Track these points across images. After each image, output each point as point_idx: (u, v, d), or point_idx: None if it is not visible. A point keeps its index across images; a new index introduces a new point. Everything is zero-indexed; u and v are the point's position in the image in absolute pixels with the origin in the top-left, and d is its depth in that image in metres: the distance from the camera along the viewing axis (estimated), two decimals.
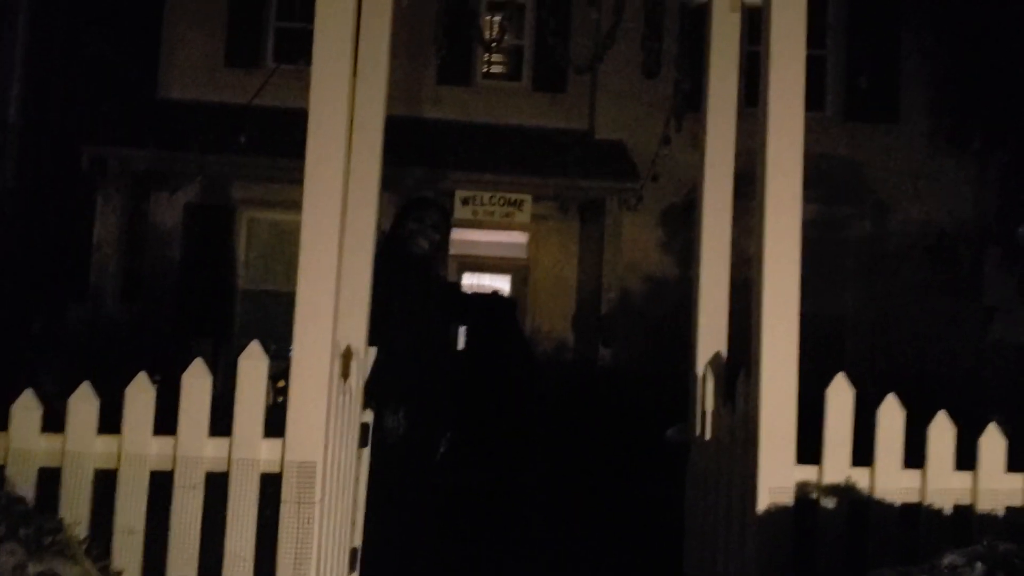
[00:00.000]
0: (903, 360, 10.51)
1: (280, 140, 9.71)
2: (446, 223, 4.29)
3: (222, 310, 10.83)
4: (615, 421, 5.44)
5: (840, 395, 2.95)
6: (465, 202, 10.22)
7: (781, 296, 2.94)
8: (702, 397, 3.53)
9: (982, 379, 10.83)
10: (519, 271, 11.32)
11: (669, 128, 6.41)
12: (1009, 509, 2.97)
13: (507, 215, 10.36)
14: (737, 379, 3.15)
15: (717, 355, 3.55)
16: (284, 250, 10.96)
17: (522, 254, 11.35)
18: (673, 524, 3.91)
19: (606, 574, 4.57)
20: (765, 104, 3.05)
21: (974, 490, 2.97)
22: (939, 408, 3.06)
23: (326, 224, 2.80)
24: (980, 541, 2.38)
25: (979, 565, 2.19)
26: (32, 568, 1.89)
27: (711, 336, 3.58)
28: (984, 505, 2.96)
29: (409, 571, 3.98)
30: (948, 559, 2.24)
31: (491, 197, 10.29)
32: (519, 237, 11.25)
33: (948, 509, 2.95)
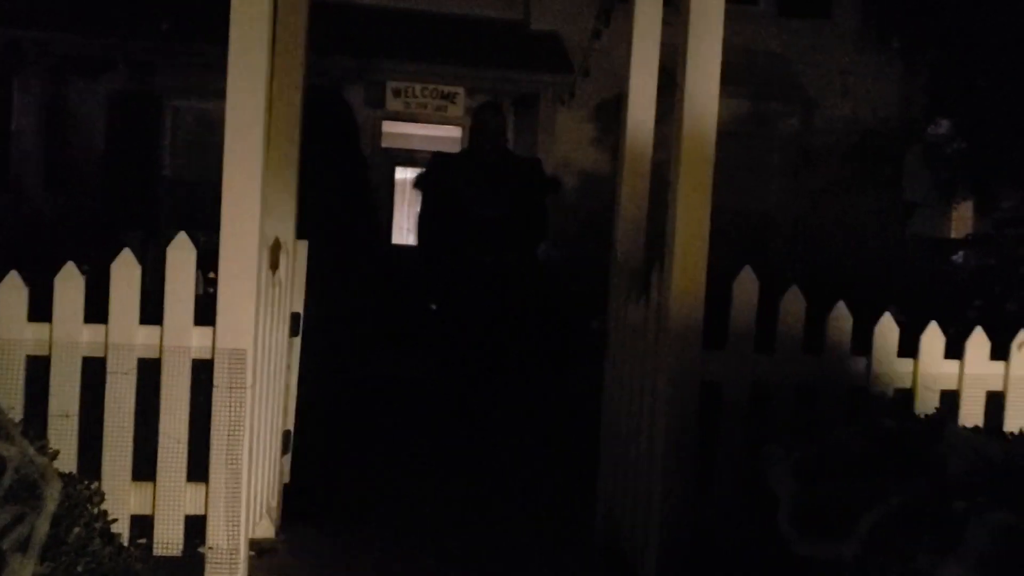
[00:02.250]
0: (826, 254, 10.86)
1: (206, 25, 9.44)
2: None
3: (148, 201, 10.64)
4: (548, 312, 5.61)
5: (745, 286, 3.12)
6: (397, 94, 10.08)
7: (694, 192, 3.06)
8: (620, 288, 3.69)
9: (901, 271, 11.29)
10: None
11: (599, 21, 6.39)
12: (897, 390, 3.21)
13: (440, 108, 10.27)
14: (651, 271, 3.30)
15: (635, 248, 3.70)
16: (210, 140, 10.75)
17: (455, 148, 11.30)
18: (596, 409, 4.13)
19: (536, 458, 4.80)
20: None
21: (867, 374, 3.19)
22: (856, 299, 3.25)
23: (250, 115, 2.81)
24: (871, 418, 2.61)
25: (862, 439, 2.41)
26: None
27: (630, 230, 3.72)
28: (876, 387, 3.19)
29: (341, 453, 4.15)
30: (835, 434, 2.46)
31: (423, 89, 10.16)
32: (452, 131, 11.18)
33: (843, 391, 3.17)
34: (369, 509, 3.96)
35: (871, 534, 2.00)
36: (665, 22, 3.74)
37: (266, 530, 3.41)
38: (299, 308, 3.63)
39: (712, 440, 3.14)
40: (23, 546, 1.96)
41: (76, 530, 2.14)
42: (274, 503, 3.53)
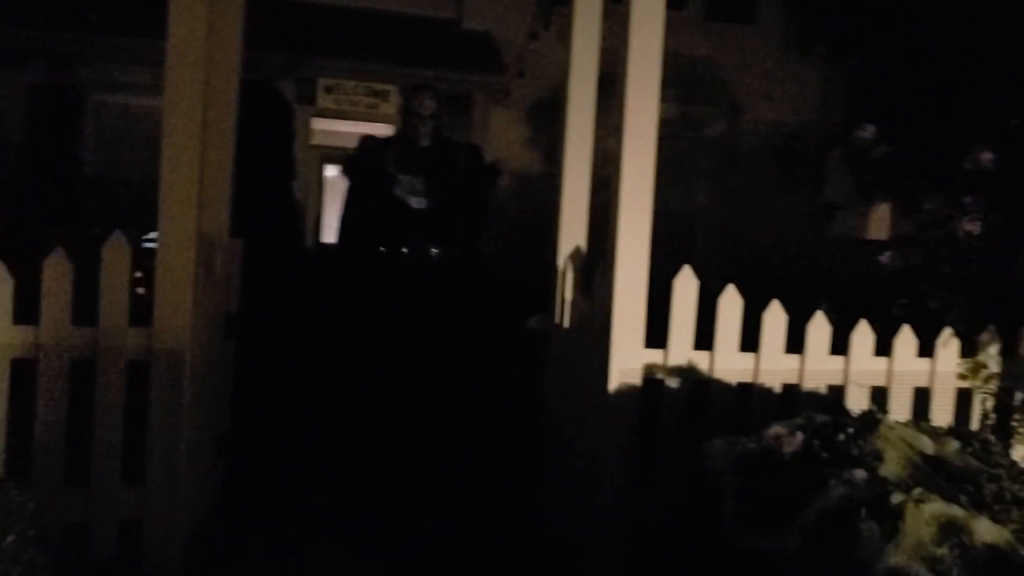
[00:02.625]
0: (750, 254, 11.08)
1: (133, 18, 9.19)
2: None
3: (69, 198, 10.31)
4: (479, 312, 5.55)
5: (685, 284, 3.18)
6: (328, 90, 9.96)
7: (637, 193, 3.10)
8: (562, 288, 3.72)
9: (821, 271, 11.59)
10: None
11: (537, 23, 6.43)
12: (830, 387, 3.31)
13: (372, 106, 10.18)
14: (594, 271, 3.34)
15: (577, 249, 3.73)
16: (134, 136, 10.47)
17: None
18: (533, 405, 4.15)
19: (471, 453, 4.79)
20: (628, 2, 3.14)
21: (801, 371, 3.28)
22: (783, 298, 3.34)
23: (188, 112, 2.76)
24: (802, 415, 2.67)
25: (799, 434, 2.47)
26: None
27: (572, 231, 3.76)
28: (809, 384, 3.28)
29: (273, 453, 4.09)
30: (773, 429, 2.52)
31: (355, 87, 10.07)
32: (384, 129, 11.09)
33: (778, 388, 3.25)
34: (304, 508, 3.91)
35: (813, 526, 2.05)
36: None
37: (202, 531, 3.35)
38: (233, 308, 3.57)
39: (652, 436, 3.19)
40: None
41: (9, 538, 2.08)
42: (209, 503, 3.46)
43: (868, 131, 4.39)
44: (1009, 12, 5.84)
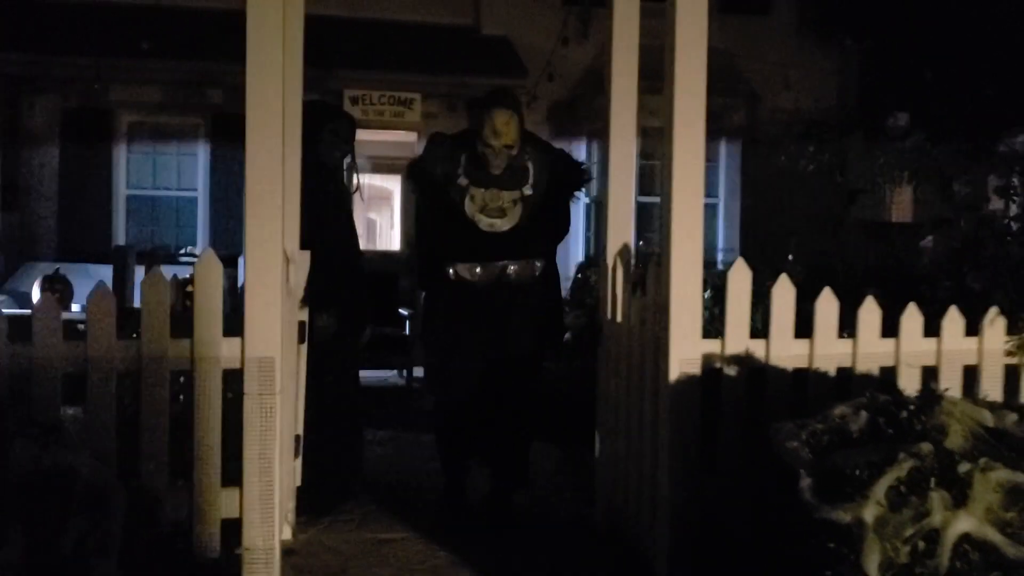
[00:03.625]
0: (775, 240, 11.21)
1: (165, 41, 9.43)
2: (354, 132, 4.43)
3: (103, 214, 10.57)
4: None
5: (740, 276, 3.32)
6: (354, 101, 10.17)
7: (688, 190, 3.24)
8: (612, 283, 3.86)
9: (845, 256, 11.70)
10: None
11: (567, 29, 6.56)
12: (882, 369, 3.44)
13: (397, 114, 10.39)
14: (647, 267, 3.49)
15: (625, 245, 3.88)
16: (165, 153, 10.71)
17: (412, 153, 11.43)
18: (580, 398, 4.29)
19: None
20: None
21: (854, 354, 3.41)
22: (816, 284, 3.48)
23: (270, 129, 2.92)
24: (863, 396, 2.81)
25: (863, 413, 2.61)
26: (45, 459, 2.07)
27: (619, 228, 3.90)
28: (862, 367, 3.42)
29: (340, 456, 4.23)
30: (839, 410, 2.65)
31: (380, 96, 10.28)
32: (408, 136, 11.29)
33: (832, 372, 3.39)
34: (377, 510, 4.08)
35: (887, 496, 2.20)
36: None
37: (285, 532, 3.52)
38: (304, 317, 3.74)
39: (712, 425, 3.33)
40: (103, 550, 2.07)
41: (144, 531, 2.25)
42: (290, 505, 3.64)
43: (901, 119, 4.51)
44: None
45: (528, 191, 3.96)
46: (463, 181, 3.95)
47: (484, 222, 3.93)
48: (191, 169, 10.57)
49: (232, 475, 2.97)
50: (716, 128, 11.86)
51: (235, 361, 2.92)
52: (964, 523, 2.09)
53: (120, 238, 10.26)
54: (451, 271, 3.96)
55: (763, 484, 2.88)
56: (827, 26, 12.00)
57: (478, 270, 3.95)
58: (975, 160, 4.68)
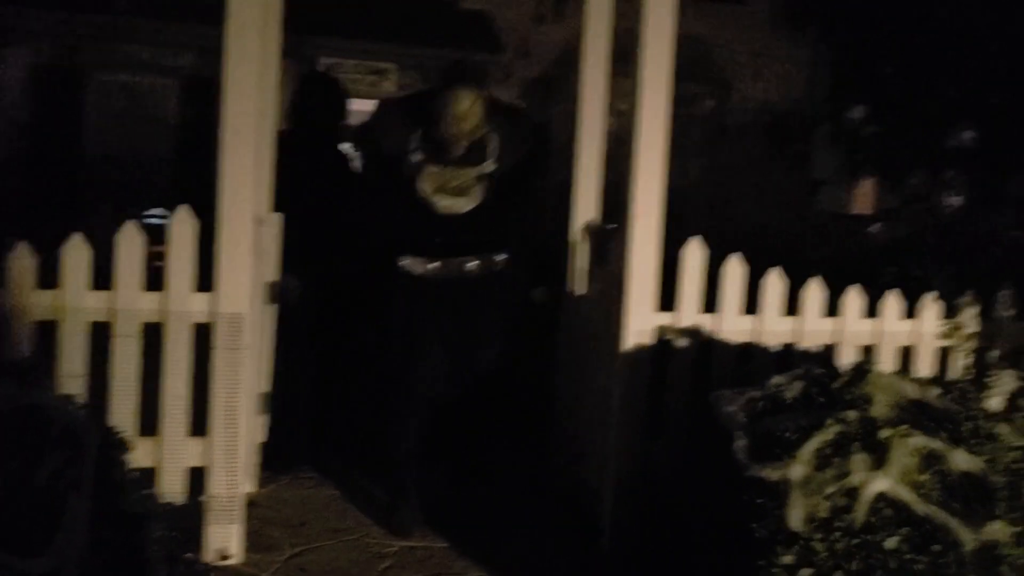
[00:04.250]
0: (740, 226, 11.43)
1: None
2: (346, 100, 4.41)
3: (71, 175, 10.52)
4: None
5: (694, 254, 3.49)
6: (328, 69, 10.17)
7: (650, 167, 3.39)
8: (576, 258, 4.01)
9: (805, 246, 11.97)
10: None
11: (543, 6, 6.62)
12: (824, 347, 3.63)
13: (372, 84, 10.42)
14: (609, 242, 3.64)
15: (590, 222, 4.02)
16: (135, 114, 10.67)
17: None
18: (541, 367, 4.42)
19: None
20: None
21: (797, 331, 3.60)
22: (770, 267, 3.65)
23: (245, 99, 3.00)
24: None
25: (797, 383, 2.79)
26: (22, 399, 2.18)
27: (585, 204, 4.04)
28: (805, 343, 3.60)
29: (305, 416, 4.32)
30: (775, 379, 2.84)
31: (356, 65, 10.29)
32: None
33: (776, 347, 3.57)
34: (340, 469, 4.20)
35: (813, 457, 2.38)
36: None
37: (249, 486, 3.64)
38: (274, 277, 3.85)
39: (662, 393, 3.51)
40: (76, 486, 2.19)
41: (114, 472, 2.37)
42: (255, 460, 3.77)
43: (858, 112, 4.69)
44: None
45: (491, 166, 3.49)
46: (417, 157, 3.42)
47: (441, 203, 3.45)
48: (160, 130, 10.54)
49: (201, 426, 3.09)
50: (687, 114, 12.03)
51: (205, 316, 3.03)
52: (881, 483, 2.27)
53: (87, 196, 10.23)
54: (402, 264, 3.51)
55: (704, 447, 3.05)
56: (798, 18, 12.16)
57: (433, 266, 3.52)
58: (927, 154, 4.88)
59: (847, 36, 9.22)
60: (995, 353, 3.69)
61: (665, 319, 3.48)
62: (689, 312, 3.50)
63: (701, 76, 11.79)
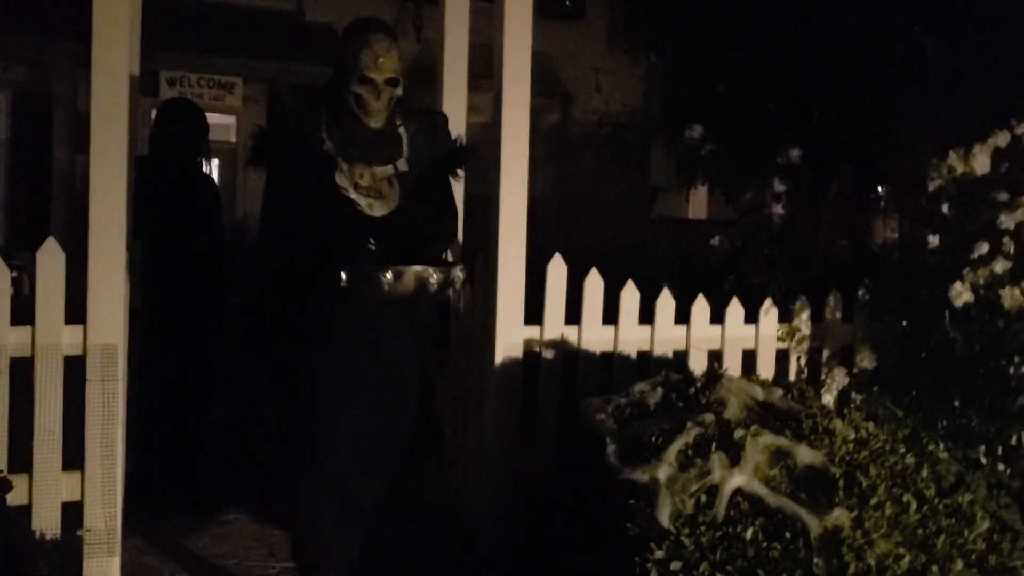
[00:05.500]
0: (585, 233, 11.88)
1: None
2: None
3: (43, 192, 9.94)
4: None
5: (557, 269, 3.69)
6: (172, 83, 9.93)
7: (514, 183, 3.55)
8: None
9: (646, 249, 12.57)
10: (227, 154, 11.24)
11: (397, 22, 6.69)
12: (676, 352, 3.91)
13: (217, 97, 10.22)
14: (475, 259, 3.80)
15: (458, 240, 4.16)
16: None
17: (231, 137, 11.25)
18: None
19: None
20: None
21: (652, 339, 3.86)
22: (617, 275, 3.90)
23: (116, 121, 2.99)
24: (659, 375, 3.24)
25: (659, 389, 3.03)
26: None
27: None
28: (659, 351, 3.87)
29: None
30: (638, 386, 3.07)
31: (200, 79, 10.08)
32: (227, 119, 11.12)
33: (634, 355, 3.83)
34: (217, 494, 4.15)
35: (677, 459, 2.61)
36: None
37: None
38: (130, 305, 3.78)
39: (532, 399, 3.70)
40: None
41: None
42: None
43: (696, 131, 5.04)
44: (808, 14, 6.68)
45: (403, 166, 2.99)
46: (329, 147, 2.91)
47: (363, 203, 2.89)
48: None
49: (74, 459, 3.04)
50: (532, 126, 12.40)
51: (77, 348, 2.99)
52: (737, 479, 2.52)
53: None
54: (344, 276, 2.75)
55: (575, 452, 3.25)
56: (634, 35, 12.75)
57: (389, 275, 2.77)
58: (758, 169, 5.30)
59: (676, 53, 9.77)
60: (826, 353, 4.08)
61: (533, 332, 3.67)
62: (554, 325, 3.70)
63: (544, 90, 12.18)
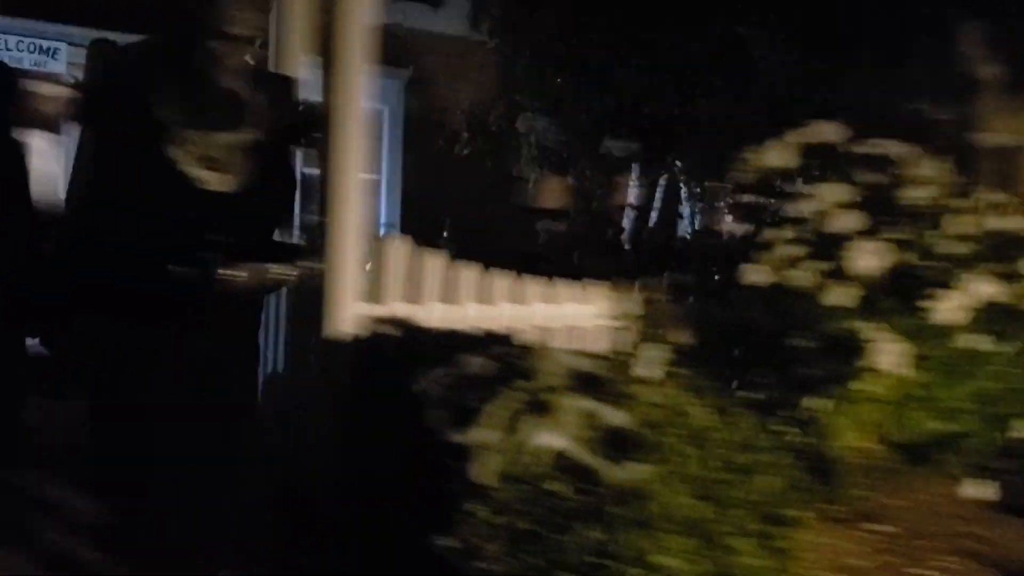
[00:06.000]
0: (437, 218, 12.00)
1: None
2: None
3: None
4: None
5: (396, 248, 3.84)
6: None
7: (349, 162, 3.67)
8: None
9: (500, 234, 12.83)
10: (51, 121, 10.68)
11: None
12: (511, 330, 4.13)
13: (39, 63, 9.72)
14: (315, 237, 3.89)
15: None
16: None
17: (56, 109, 10.71)
18: None
19: None
20: None
21: (491, 317, 4.07)
22: (466, 258, 4.09)
23: None
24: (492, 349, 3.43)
25: (488, 360, 3.24)
26: None
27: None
28: (495, 327, 4.08)
29: None
30: (469, 360, 3.27)
31: (19, 42, 9.56)
32: (55, 89, 10.56)
33: (471, 332, 4.02)
34: None
35: (499, 422, 2.82)
36: None
37: None
38: None
39: (367, 374, 3.82)
40: None
41: None
42: None
43: (539, 121, 5.29)
44: (640, 11, 7.03)
45: (247, 133, 2.67)
46: (163, 110, 2.52)
47: (200, 175, 2.55)
48: None
49: None
50: (382, 110, 12.43)
51: None
52: (550, 438, 2.76)
53: None
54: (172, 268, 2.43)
55: (410, 425, 3.42)
56: (491, 21, 12.94)
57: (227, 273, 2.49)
58: (596, 159, 5.60)
59: (529, 41, 10.06)
60: (648, 330, 4.41)
61: (372, 310, 3.80)
62: (394, 302, 3.85)
63: (398, 73, 12.22)
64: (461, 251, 5.17)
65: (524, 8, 7.89)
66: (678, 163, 6.91)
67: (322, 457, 3.72)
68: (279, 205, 2.89)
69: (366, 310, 3.78)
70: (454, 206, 12.22)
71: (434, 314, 3.94)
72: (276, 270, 2.65)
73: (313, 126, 3.04)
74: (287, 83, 2.97)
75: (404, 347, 3.88)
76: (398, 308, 3.86)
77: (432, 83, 12.88)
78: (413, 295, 3.91)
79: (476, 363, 3.20)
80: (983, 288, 3.69)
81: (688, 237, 5.06)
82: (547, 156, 6.35)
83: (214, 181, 2.56)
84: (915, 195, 3.76)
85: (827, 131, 3.90)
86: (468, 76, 13.00)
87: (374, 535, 3.36)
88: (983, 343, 3.73)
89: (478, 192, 12.58)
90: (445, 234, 6.32)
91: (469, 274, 4.02)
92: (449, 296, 3.99)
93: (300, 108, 2.95)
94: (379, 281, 3.82)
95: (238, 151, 2.62)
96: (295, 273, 2.73)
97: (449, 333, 3.97)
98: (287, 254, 2.73)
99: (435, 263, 3.93)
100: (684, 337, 4.23)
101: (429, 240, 4.04)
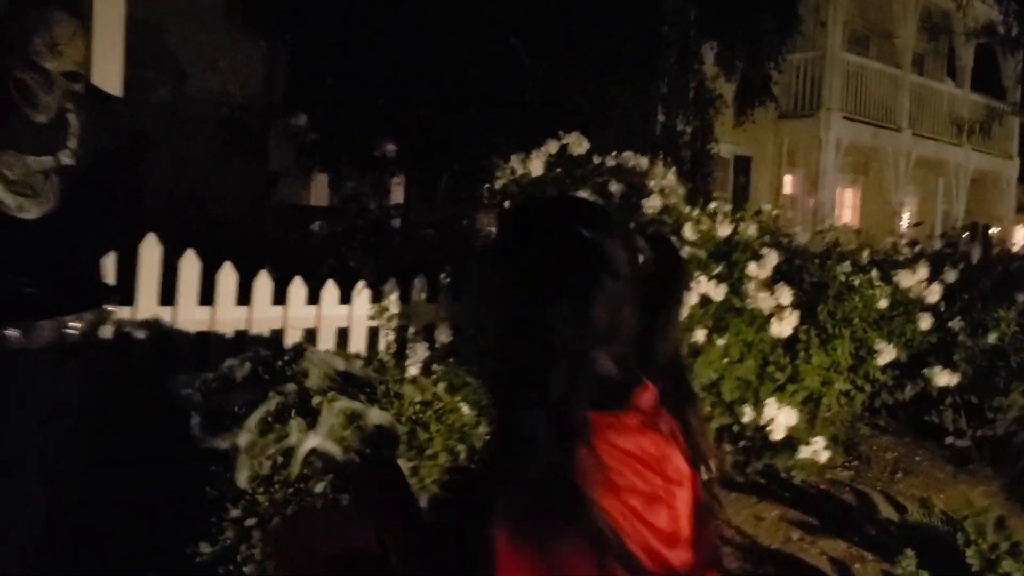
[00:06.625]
0: (198, 217, 11.55)
1: None
2: None
3: None
4: None
5: (150, 249, 3.71)
6: None
7: None
8: None
9: (265, 233, 12.51)
10: None
11: None
12: (274, 331, 4.10)
13: None
14: None
15: None
16: None
17: None
18: None
19: None
20: None
21: (249, 319, 4.02)
22: (229, 259, 4.02)
23: None
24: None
25: (247, 364, 3.20)
26: None
27: None
28: (257, 329, 4.04)
29: None
30: (228, 362, 3.21)
31: None
32: None
33: (231, 333, 3.95)
34: None
35: (257, 426, 2.81)
36: None
37: None
38: None
39: (120, 382, 3.68)
40: None
41: None
42: None
43: (301, 119, 5.25)
44: (416, 18, 7.17)
45: (67, 158, 2.52)
46: None
47: (9, 201, 2.40)
48: None
49: None
50: (141, 102, 11.77)
51: None
52: (312, 440, 2.78)
53: None
54: None
55: (164, 429, 3.32)
56: (253, 15, 12.61)
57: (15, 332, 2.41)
58: (361, 159, 5.62)
59: (296, 37, 9.92)
60: (411, 330, 4.50)
61: (124, 312, 3.65)
62: (148, 304, 3.72)
63: (155, 64, 11.63)
64: (222, 249, 5.06)
65: (297, 5, 7.79)
66: (446, 168, 7.08)
67: (71, 473, 3.52)
68: (101, 231, 2.71)
69: (119, 313, 3.62)
70: (225, 208, 11.79)
71: (192, 316, 3.84)
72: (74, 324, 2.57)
73: (146, 150, 2.83)
74: (119, 105, 2.86)
75: (162, 350, 3.76)
76: (154, 310, 3.73)
77: (191, 75, 12.37)
78: (167, 296, 3.80)
79: (237, 366, 3.16)
80: (704, 287, 4.07)
81: (448, 239, 5.21)
82: (315, 156, 6.31)
83: (24, 207, 2.42)
84: (653, 204, 4.08)
85: (574, 142, 4.16)
86: (232, 69, 12.60)
87: (127, 547, 3.25)
88: (699, 337, 4.11)
89: (241, 188, 12.21)
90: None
91: (227, 274, 3.94)
92: (207, 298, 3.90)
93: (130, 131, 2.78)
94: (131, 282, 3.68)
95: (53, 176, 2.48)
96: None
97: (210, 335, 3.89)
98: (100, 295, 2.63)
99: (191, 263, 3.83)
100: (449, 336, 4.37)
101: (189, 237, 3.92)
